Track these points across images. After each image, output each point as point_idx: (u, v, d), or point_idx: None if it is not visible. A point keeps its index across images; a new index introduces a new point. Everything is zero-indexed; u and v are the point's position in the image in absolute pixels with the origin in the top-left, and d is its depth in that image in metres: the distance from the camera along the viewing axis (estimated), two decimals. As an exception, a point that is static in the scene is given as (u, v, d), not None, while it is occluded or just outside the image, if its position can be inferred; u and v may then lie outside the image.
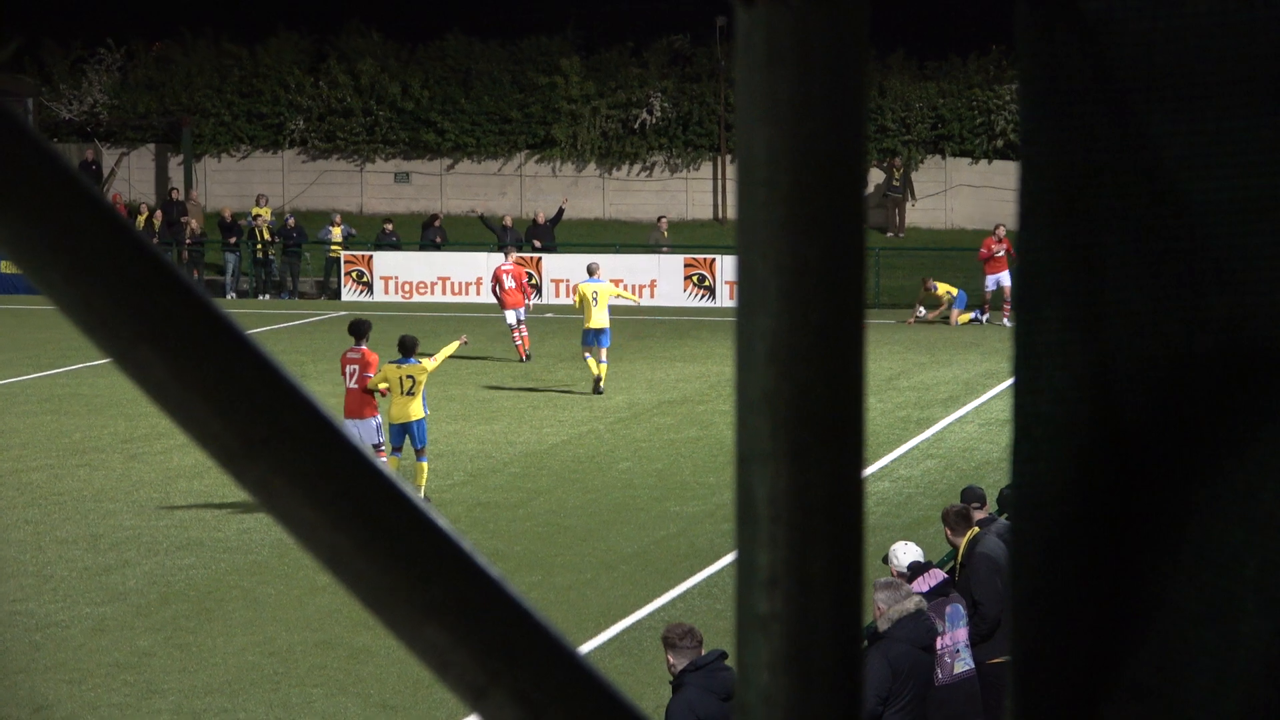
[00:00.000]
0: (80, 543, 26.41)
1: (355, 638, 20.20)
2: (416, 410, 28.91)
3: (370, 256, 57.02)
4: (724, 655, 14.69)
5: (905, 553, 17.23)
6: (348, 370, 29.57)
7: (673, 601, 22.79)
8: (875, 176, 62.26)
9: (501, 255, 48.03)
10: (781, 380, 1.77)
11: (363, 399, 29.09)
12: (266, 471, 1.98)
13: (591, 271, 42.69)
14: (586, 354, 39.96)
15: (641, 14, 63.61)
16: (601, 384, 39.22)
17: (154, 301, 2.04)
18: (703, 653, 14.71)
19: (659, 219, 59.36)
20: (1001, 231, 49.86)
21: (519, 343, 44.32)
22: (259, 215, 59.35)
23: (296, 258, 58.65)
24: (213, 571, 24.95)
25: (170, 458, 30.10)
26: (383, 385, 28.85)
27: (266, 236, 58.63)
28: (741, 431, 1.78)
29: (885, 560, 17.47)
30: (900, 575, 16.95)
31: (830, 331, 1.79)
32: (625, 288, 48.85)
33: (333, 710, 19.40)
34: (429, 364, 29.99)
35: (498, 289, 45.67)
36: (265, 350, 2.07)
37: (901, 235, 60.89)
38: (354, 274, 56.68)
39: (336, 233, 57.88)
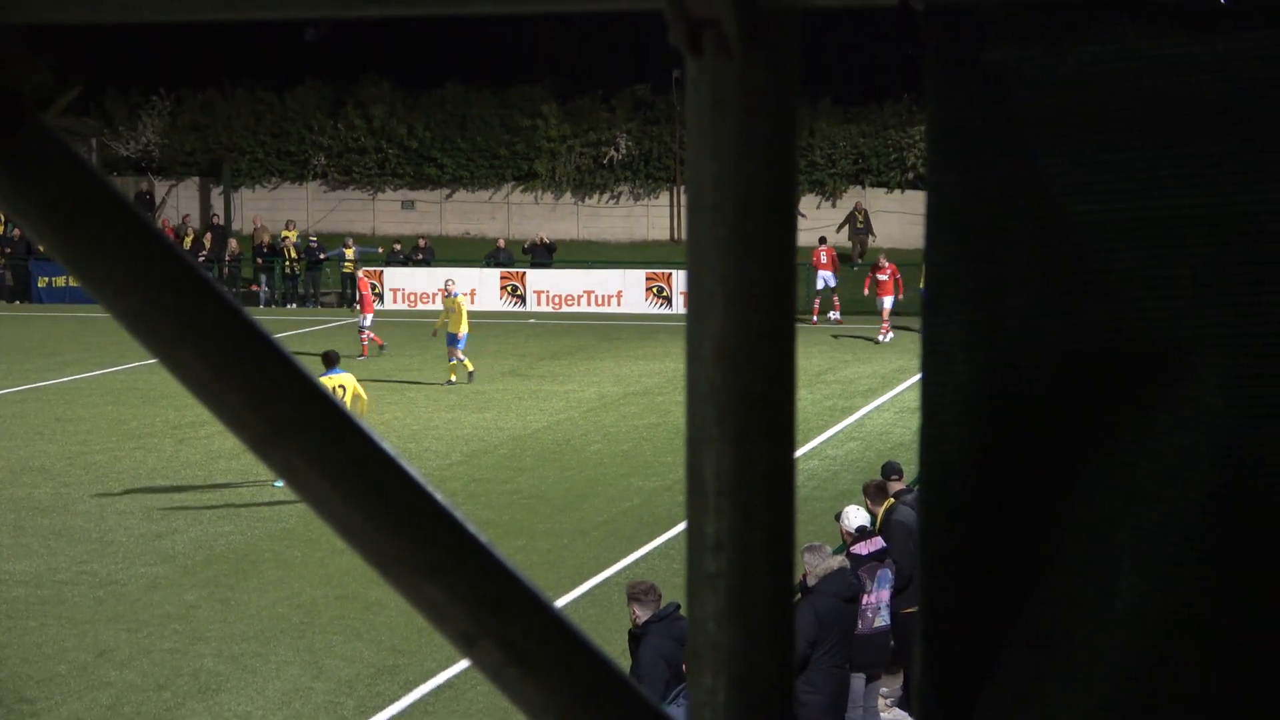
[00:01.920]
0: (136, 513, 26.37)
1: (369, 592, 20.18)
2: None
3: (381, 271, 56.81)
4: (679, 607, 14.70)
5: (856, 516, 17.24)
6: None
7: (636, 562, 22.81)
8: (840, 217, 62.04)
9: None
10: (726, 375, 1.76)
11: None
12: (289, 453, 1.97)
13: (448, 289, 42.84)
14: (461, 355, 40.31)
15: (610, 66, 63.48)
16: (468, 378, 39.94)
17: (193, 309, 2.04)
18: (661, 605, 14.73)
19: None
20: (883, 260, 49.72)
21: (372, 339, 44.78)
22: (286, 237, 59.29)
23: (318, 273, 58.52)
24: (249, 537, 24.94)
25: (212, 442, 30.04)
26: None
27: (293, 255, 58.57)
28: (692, 419, 1.77)
29: (837, 518, 17.41)
30: (848, 534, 16.99)
31: (767, 333, 1.78)
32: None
33: (350, 653, 19.40)
34: (356, 384, 29.09)
35: (360, 296, 46.24)
36: (288, 350, 2.05)
37: (859, 263, 60.25)
38: (368, 286, 56.56)
39: (350, 252, 57.68)
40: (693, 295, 1.78)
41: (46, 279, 56.47)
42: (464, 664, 17.89)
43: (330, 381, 27.66)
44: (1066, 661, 2.01)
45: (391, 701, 18.03)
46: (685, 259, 1.79)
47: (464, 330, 39.81)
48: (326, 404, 2.01)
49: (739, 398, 1.77)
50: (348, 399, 28.00)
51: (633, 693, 2.04)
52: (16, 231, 58.08)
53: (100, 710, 17.89)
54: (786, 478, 1.83)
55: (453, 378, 39.68)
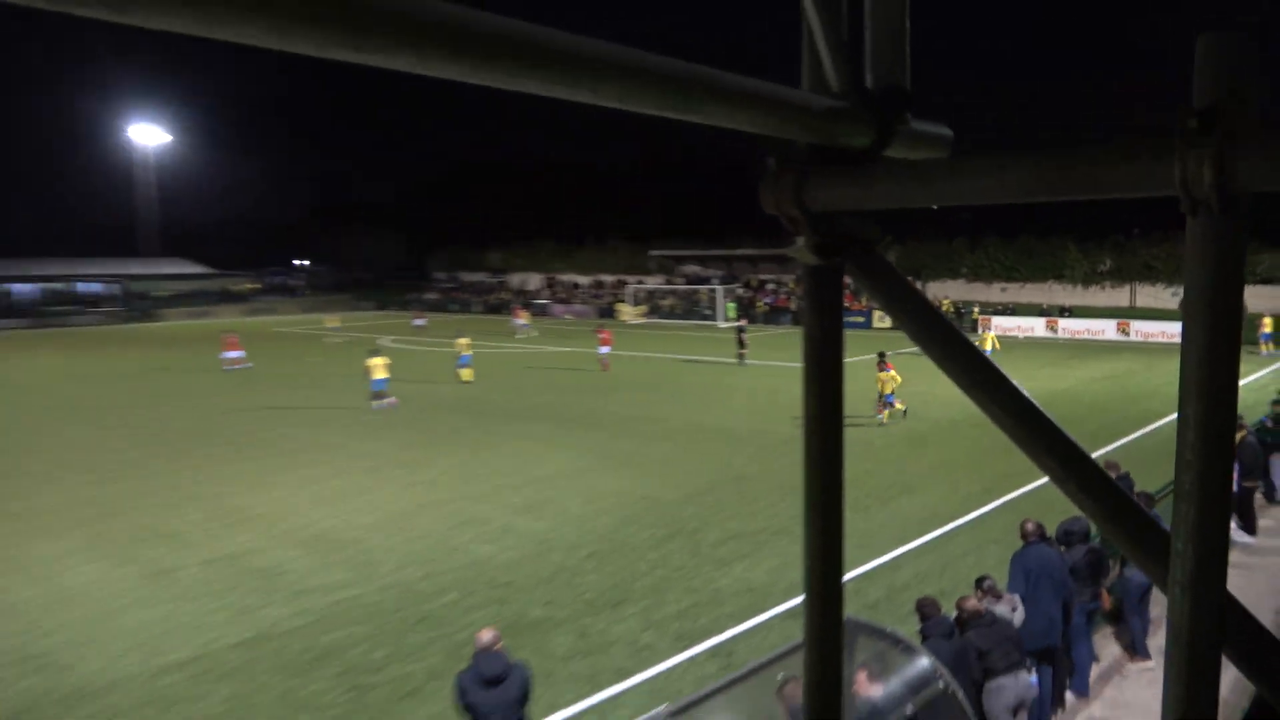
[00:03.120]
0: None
1: (979, 458, 19.10)
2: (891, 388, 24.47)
3: (989, 316, 54.27)
4: (1128, 473, 13.29)
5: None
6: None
7: (1108, 451, 20.55)
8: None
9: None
10: (1201, 374, 1.57)
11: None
12: (987, 397, 1.89)
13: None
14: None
15: (1101, 222, 57.86)
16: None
17: (941, 335, 1.99)
18: (1117, 475, 13.29)
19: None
20: (1264, 317, 42.71)
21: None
22: (944, 302, 57.83)
23: (961, 319, 56.35)
24: (905, 429, 24.17)
25: (869, 387, 29.06)
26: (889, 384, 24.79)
27: (950, 309, 57.04)
28: (1181, 398, 1.59)
29: None
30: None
31: (1223, 356, 1.57)
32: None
33: (971, 481, 18.47)
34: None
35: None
36: (978, 349, 1.98)
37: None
38: (982, 323, 53.97)
39: (975, 310, 55.53)
40: (1186, 334, 1.59)
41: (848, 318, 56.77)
42: (1027, 489, 16.80)
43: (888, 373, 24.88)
44: None
45: (989, 503, 17.15)
46: (1181, 319, 1.59)
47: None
48: (1009, 384, 1.92)
49: (1206, 387, 1.58)
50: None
51: (1137, 507, 1.85)
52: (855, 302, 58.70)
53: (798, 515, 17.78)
54: (1229, 425, 1.61)
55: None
